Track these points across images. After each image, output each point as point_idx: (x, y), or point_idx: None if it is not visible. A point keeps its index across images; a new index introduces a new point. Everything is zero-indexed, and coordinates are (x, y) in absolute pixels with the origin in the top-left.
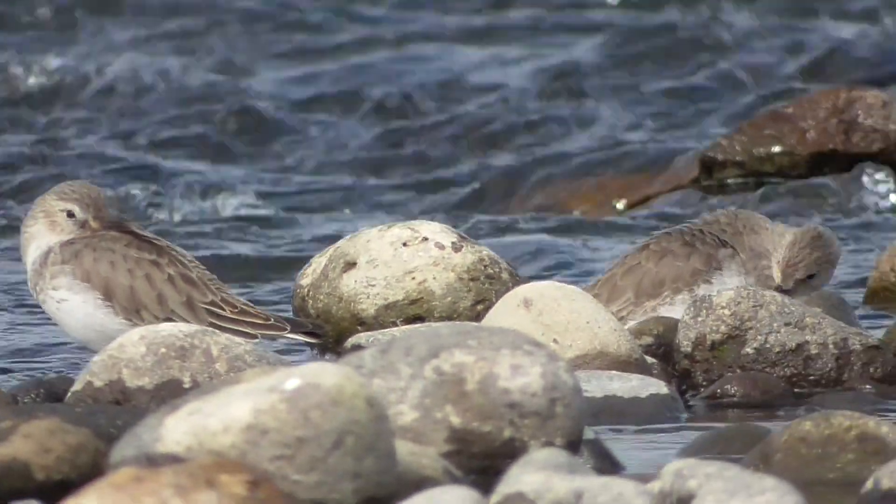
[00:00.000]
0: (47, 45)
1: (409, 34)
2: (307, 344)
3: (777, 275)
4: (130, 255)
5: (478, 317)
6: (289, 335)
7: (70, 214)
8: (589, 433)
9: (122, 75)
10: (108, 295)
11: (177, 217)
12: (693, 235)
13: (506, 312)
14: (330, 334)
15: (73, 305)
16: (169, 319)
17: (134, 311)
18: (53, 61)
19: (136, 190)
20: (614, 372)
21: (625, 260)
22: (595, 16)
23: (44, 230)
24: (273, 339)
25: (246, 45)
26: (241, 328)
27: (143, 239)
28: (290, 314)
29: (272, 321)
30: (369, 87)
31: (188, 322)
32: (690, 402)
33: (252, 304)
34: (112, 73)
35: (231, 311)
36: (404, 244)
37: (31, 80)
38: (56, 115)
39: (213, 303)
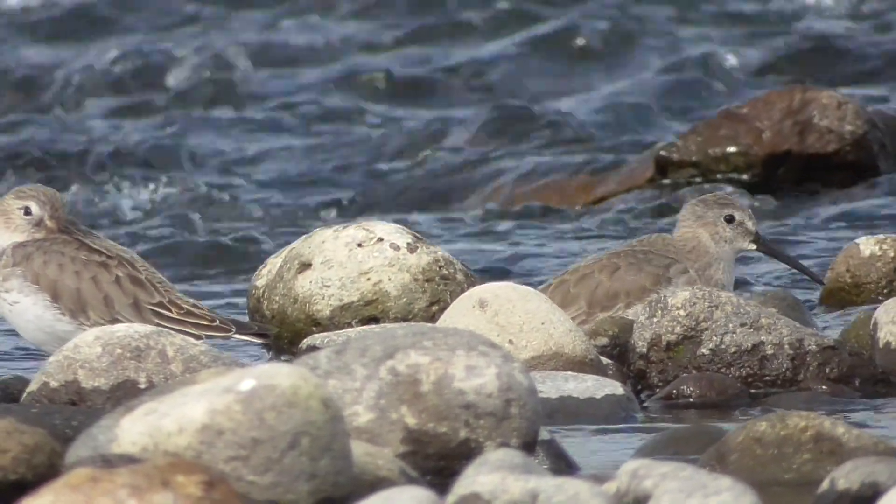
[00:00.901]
0: None
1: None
2: (261, 344)
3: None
4: (79, 258)
5: (433, 318)
6: (235, 336)
7: (27, 212)
8: (544, 434)
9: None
10: (55, 297)
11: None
12: (644, 253)
13: (461, 313)
14: (279, 335)
15: (24, 307)
16: (116, 321)
17: (81, 313)
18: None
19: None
20: (569, 373)
21: (578, 268)
22: (550, 11)
23: (0, 230)
24: (220, 339)
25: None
26: (186, 329)
27: (92, 243)
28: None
29: (218, 322)
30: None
31: (134, 323)
32: (646, 403)
33: (200, 305)
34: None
35: (177, 313)
36: (359, 245)
37: None
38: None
39: (159, 304)
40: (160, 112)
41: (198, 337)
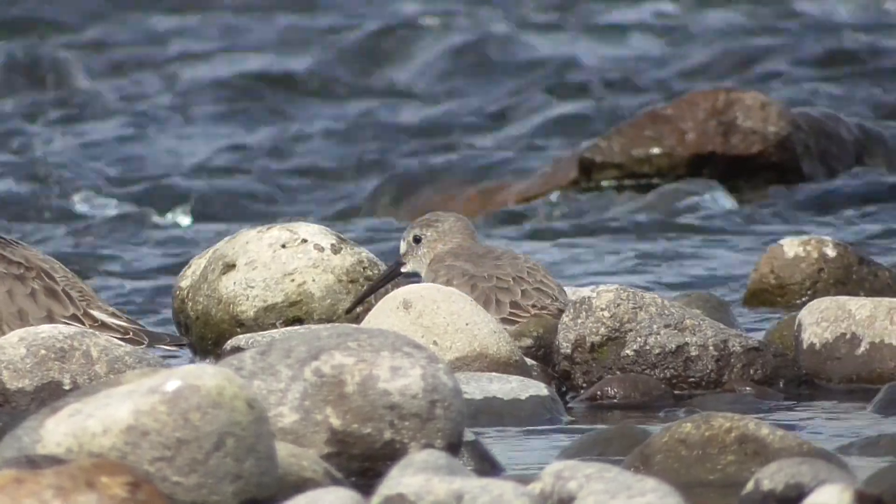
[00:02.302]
0: None
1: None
2: (172, 354)
3: None
4: None
5: (357, 319)
6: (146, 348)
7: None
8: (469, 435)
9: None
10: None
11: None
12: None
13: (385, 314)
14: (203, 336)
15: None
16: None
17: None
18: None
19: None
20: (494, 374)
21: None
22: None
23: None
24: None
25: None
26: None
27: (12, 254)
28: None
29: (131, 334)
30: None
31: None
32: (570, 404)
33: (120, 314)
34: None
35: (90, 325)
36: (283, 246)
37: None
38: None
39: (73, 316)
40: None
41: None
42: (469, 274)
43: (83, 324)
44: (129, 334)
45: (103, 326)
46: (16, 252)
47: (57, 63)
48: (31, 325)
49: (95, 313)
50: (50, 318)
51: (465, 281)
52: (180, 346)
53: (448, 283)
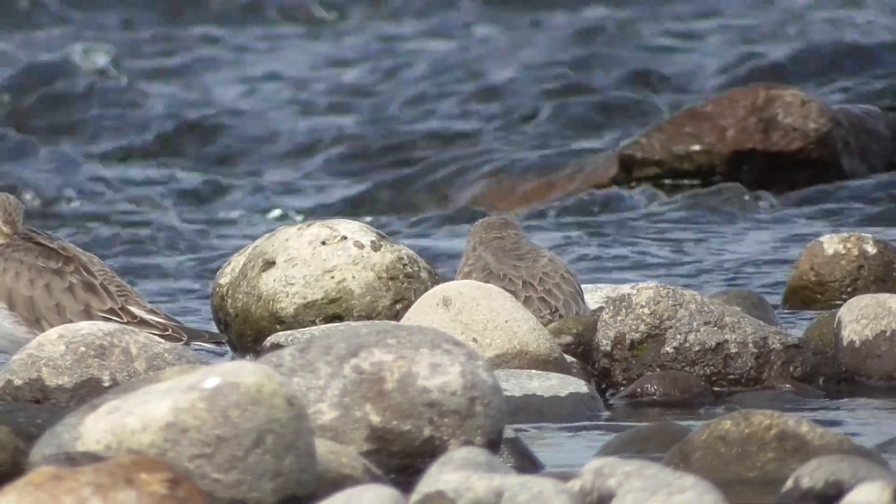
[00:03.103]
0: None
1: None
2: (213, 351)
3: None
4: (35, 266)
5: (397, 316)
6: (185, 345)
7: None
8: (509, 432)
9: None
10: (11, 305)
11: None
12: None
13: (425, 311)
14: (242, 333)
15: None
16: None
17: (34, 322)
18: None
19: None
20: (534, 371)
21: None
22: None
23: None
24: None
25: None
26: None
27: (51, 248)
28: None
29: (169, 331)
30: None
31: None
32: (610, 401)
33: (158, 311)
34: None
35: (129, 320)
36: (323, 243)
37: None
38: None
39: (111, 311)
40: None
41: None
42: (488, 270)
43: (121, 318)
44: (167, 331)
45: (141, 323)
46: (53, 246)
47: None
48: (69, 319)
49: (134, 309)
50: (88, 313)
51: (483, 276)
52: (219, 343)
53: (469, 273)
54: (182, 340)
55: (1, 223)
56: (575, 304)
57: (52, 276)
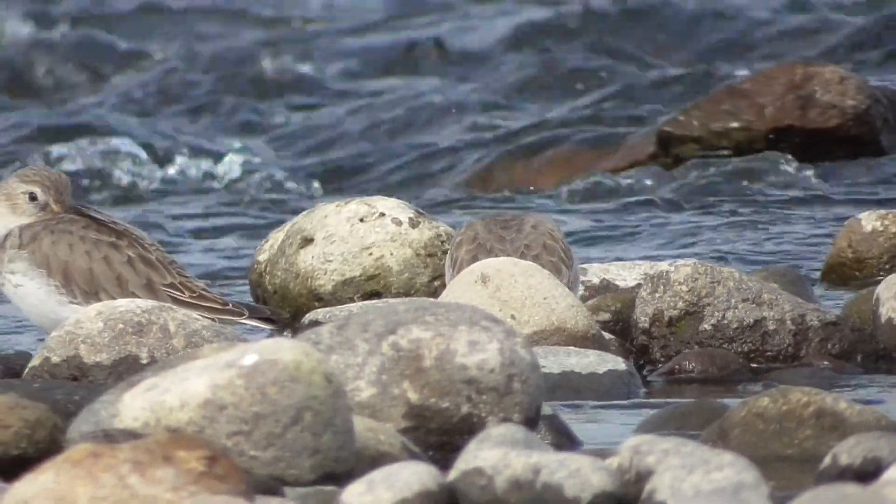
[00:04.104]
0: None
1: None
2: (272, 330)
3: None
4: (89, 238)
5: (435, 293)
6: (246, 321)
7: (32, 197)
8: (547, 409)
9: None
10: (66, 278)
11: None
12: None
13: (463, 288)
14: (287, 319)
15: (28, 290)
16: None
17: (93, 294)
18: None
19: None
20: (572, 348)
21: None
22: None
23: (4, 213)
24: (230, 323)
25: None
26: (199, 312)
27: (101, 222)
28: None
29: (230, 306)
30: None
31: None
32: (648, 378)
33: (208, 289)
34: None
35: (190, 295)
36: (361, 220)
37: None
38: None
39: (172, 285)
40: None
41: (210, 320)
42: (478, 241)
43: (182, 292)
44: (227, 306)
45: (201, 297)
46: (105, 220)
47: None
48: (131, 293)
49: (191, 284)
50: (149, 286)
51: (473, 247)
52: (276, 320)
53: (461, 243)
54: (244, 315)
55: (52, 201)
56: (556, 275)
57: (109, 248)
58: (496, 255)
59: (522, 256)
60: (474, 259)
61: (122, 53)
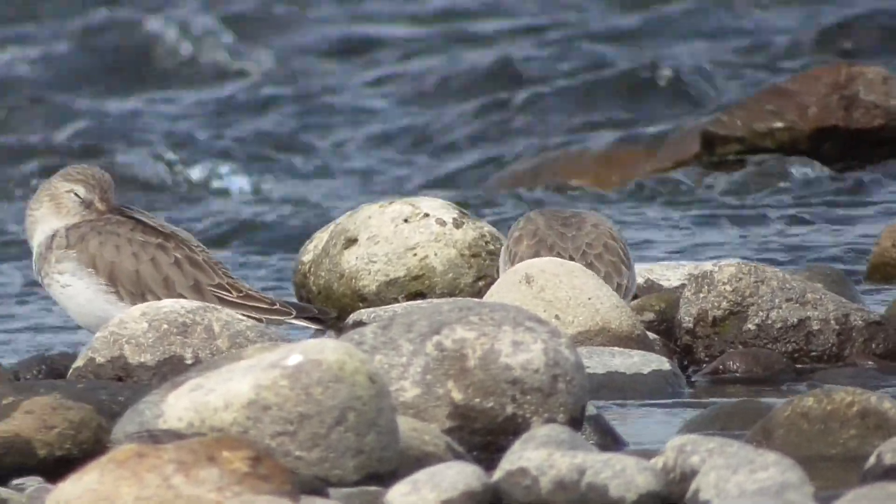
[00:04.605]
0: None
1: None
2: (319, 329)
3: None
4: (136, 239)
5: (479, 293)
6: (293, 320)
7: (76, 195)
8: (591, 409)
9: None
10: (112, 279)
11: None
12: None
13: (507, 289)
14: (334, 318)
15: (76, 290)
16: None
17: (140, 296)
18: None
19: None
20: (616, 348)
21: None
22: None
23: (49, 213)
24: (278, 323)
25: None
26: (246, 312)
27: (147, 224)
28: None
29: (277, 306)
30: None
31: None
32: (692, 378)
33: (255, 289)
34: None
35: (237, 296)
36: (405, 220)
37: None
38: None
39: (219, 286)
40: None
41: (258, 320)
42: (538, 237)
43: (230, 293)
44: (275, 305)
45: (249, 297)
46: (151, 222)
47: None
48: (179, 294)
49: (238, 284)
50: (197, 287)
51: (533, 242)
52: (324, 319)
53: (520, 238)
54: (291, 315)
55: (96, 200)
56: (616, 275)
57: (156, 250)
58: (558, 253)
59: (584, 255)
60: (536, 255)
61: None
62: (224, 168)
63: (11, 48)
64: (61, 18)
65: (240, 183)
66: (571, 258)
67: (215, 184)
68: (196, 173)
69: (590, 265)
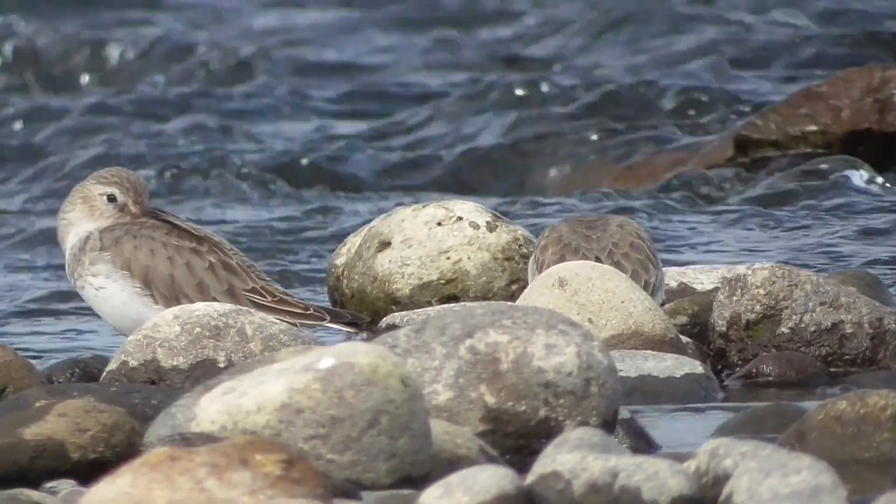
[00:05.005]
0: None
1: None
2: (352, 333)
3: None
4: (171, 243)
5: (512, 296)
6: (328, 325)
7: (110, 198)
8: (624, 413)
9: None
10: (147, 283)
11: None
12: None
13: (540, 292)
14: (367, 323)
15: (110, 293)
16: None
17: (174, 300)
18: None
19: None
20: (649, 351)
21: None
22: None
23: (82, 216)
24: (312, 328)
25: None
26: (280, 317)
27: (181, 228)
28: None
29: (311, 311)
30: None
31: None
32: (725, 382)
33: (289, 294)
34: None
35: (271, 300)
36: (439, 224)
37: None
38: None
39: (253, 290)
40: None
41: (292, 325)
42: (563, 242)
43: (264, 297)
44: (309, 310)
45: (283, 302)
46: (184, 225)
47: None
48: (213, 298)
49: (272, 289)
50: (231, 292)
51: (558, 249)
52: (358, 324)
53: (545, 247)
54: (325, 320)
55: (130, 202)
56: (644, 272)
57: (190, 254)
58: (583, 255)
59: (610, 255)
60: (562, 260)
61: None
62: None
63: None
64: None
65: None
66: (598, 259)
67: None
68: None
69: (616, 264)
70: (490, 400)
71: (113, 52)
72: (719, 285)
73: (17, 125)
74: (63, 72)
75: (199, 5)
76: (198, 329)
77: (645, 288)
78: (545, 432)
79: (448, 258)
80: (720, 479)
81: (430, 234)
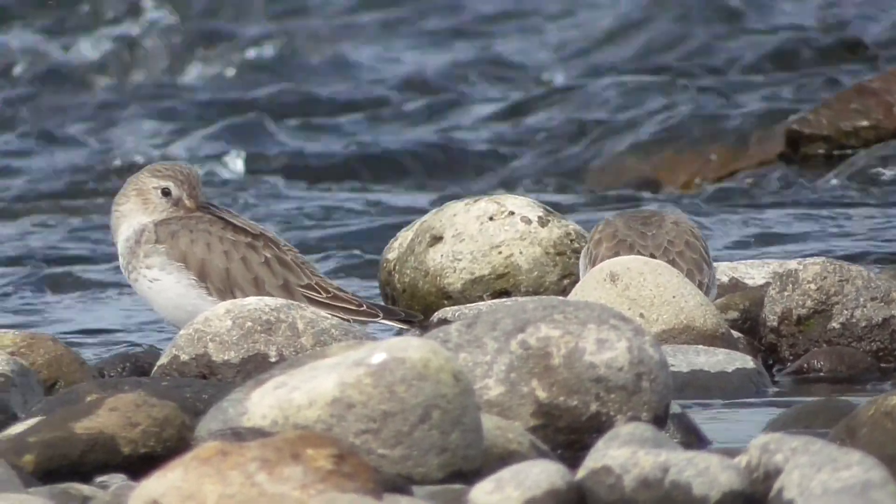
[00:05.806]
0: None
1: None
2: (404, 330)
3: None
4: (227, 238)
5: (564, 291)
6: (381, 321)
7: (165, 192)
8: (675, 408)
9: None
10: (202, 276)
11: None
12: None
13: (592, 287)
14: (420, 320)
15: (166, 285)
16: None
17: (229, 293)
18: None
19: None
20: (700, 346)
21: None
22: None
23: (136, 209)
24: (365, 324)
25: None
26: (334, 313)
27: (236, 224)
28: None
29: (365, 307)
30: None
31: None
32: (776, 377)
33: (343, 290)
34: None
35: (325, 296)
36: (490, 218)
37: None
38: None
39: (308, 286)
40: None
41: (346, 321)
42: (617, 238)
43: (319, 293)
44: (362, 307)
45: (337, 298)
46: (238, 220)
47: None
48: (268, 293)
49: (326, 285)
50: (286, 287)
51: (613, 244)
52: (411, 321)
53: (599, 241)
54: (378, 317)
55: (185, 196)
56: (698, 272)
57: (246, 249)
58: (638, 252)
59: (665, 253)
60: (616, 256)
61: None
62: None
63: None
64: None
65: None
66: (653, 256)
67: None
68: None
69: (671, 262)
70: (541, 395)
71: None
72: (770, 280)
73: None
74: None
75: None
76: (249, 323)
77: (699, 288)
78: (596, 427)
79: (500, 253)
80: (771, 475)
81: (481, 229)
